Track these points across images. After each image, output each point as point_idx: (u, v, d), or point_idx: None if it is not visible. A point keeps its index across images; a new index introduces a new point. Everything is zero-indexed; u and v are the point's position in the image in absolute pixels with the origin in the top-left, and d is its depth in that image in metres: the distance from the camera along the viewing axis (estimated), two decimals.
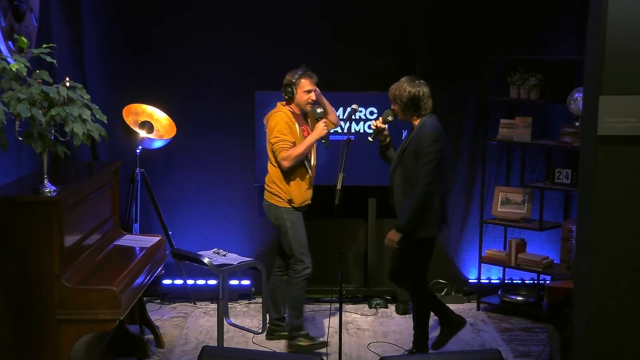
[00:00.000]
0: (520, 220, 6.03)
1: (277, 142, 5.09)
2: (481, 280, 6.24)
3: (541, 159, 6.25)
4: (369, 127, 5.09)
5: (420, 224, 4.81)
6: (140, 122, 5.78)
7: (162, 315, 5.94)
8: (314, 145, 5.22)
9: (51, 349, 4.00)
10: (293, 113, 5.19)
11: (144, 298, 5.34)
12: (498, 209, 6.13)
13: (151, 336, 5.31)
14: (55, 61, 4.16)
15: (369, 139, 4.94)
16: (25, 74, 3.85)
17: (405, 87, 4.85)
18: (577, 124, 5.65)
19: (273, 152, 5.14)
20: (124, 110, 5.70)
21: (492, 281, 6.43)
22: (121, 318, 4.06)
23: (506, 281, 6.38)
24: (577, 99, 5.62)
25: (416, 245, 4.88)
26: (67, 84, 4.00)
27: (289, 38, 6.20)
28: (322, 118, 5.19)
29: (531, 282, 6.35)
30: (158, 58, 6.21)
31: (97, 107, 4.16)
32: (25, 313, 3.98)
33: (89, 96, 4.12)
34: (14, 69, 3.77)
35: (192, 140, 6.16)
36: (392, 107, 4.94)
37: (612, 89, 3.75)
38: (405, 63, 6.23)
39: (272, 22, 6.20)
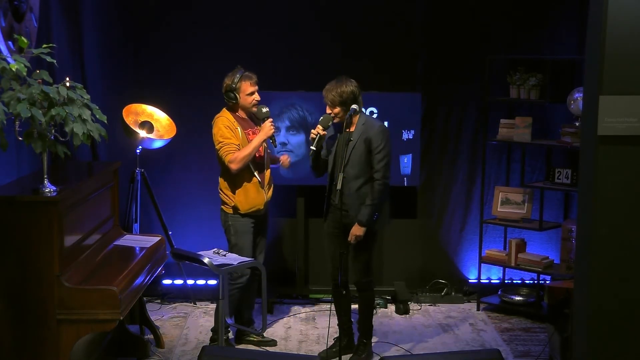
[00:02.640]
0: (520, 220, 6.03)
1: (222, 147, 4.99)
2: (481, 280, 6.24)
3: (541, 159, 6.25)
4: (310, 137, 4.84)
5: (380, 216, 4.93)
6: (140, 122, 5.78)
7: (162, 315, 5.94)
8: (266, 148, 5.13)
9: (51, 349, 4.00)
10: (237, 117, 5.08)
11: (144, 298, 5.35)
12: (498, 209, 6.13)
13: (151, 336, 5.31)
14: (55, 61, 4.16)
15: (312, 148, 4.77)
16: (25, 74, 3.84)
17: (344, 86, 4.80)
18: (577, 124, 5.65)
19: (220, 158, 5.03)
20: (124, 110, 5.70)
21: (492, 281, 6.43)
22: (121, 318, 4.07)
23: (506, 281, 6.38)
24: (577, 99, 5.62)
25: (374, 237, 4.98)
26: (67, 84, 4.00)
27: (289, 39, 6.20)
28: (267, 118, 5.08)
29: (531, 282, 6.35)
30: (158, 58, 6.21)
31: (97, 107, 4.16)
32: (25, 313, 3.98)
33: (89, 96, 4.12)
34: (14, 69, 3.77)
35: (192, 140, 6.16)
36: (327, 111, 4.85)
37: (612, 89, 3.75)
38: (405, 63, 6.24)
39: (272, 22, 6.20)
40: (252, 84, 5.06)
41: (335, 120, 4.84)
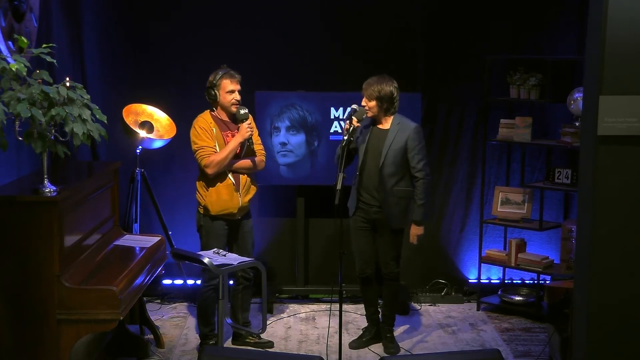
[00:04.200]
0: (520, 220, 6.03)
1: (198, 150, 4.95)
2: (481, 280, 6.24)
3: (541, 159, 6.25)
4: (343, 127, 5.06)
5: (408, 213, 5.15)
6: (140, 122, 5.77)
7: (162, 315, 5.94)
8: (245, 150, 5.06)
9: (51, 349, 4.00)
10: (216, 117, 5.04)
11: (144, 298, 5.35)
12: (498, 209, 6.13)
13: (151, 336, 5.31)
14: (55, 61, 4.15)
15: (345, 138, 4.87)
16: (25, 74, 3.84)
17: (385, 84, 4.98)
18: (577, 124, 5.65)
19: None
20: (124, 110, 5.70)
21: (492, 281, 6.43)
22: (121, 318, 4.07)
23: (506, 281, 6.38)
24: (577, 99, 5.62)
25: (403, 231, 5.19)
26: (67, 84, 4.00)
27: (289, 39, 6.20)
28: (246, 119, 5.04)
29: (531, 282, 6.35)
30: (158, 58, 6.21)
31: (97, 107, 4.16)
32: (25, 313, 3.98)
33: (89, 96, 4.12)
34: (14, 69, 3.76)
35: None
36: (362, 103, 5.02)
37: (612, 89, 3.75)
38: (405, 63, 6.24)
39: (272, 22, 6.20)
40: (232, 82, 5.01)
41: (368, 115, 5.02)
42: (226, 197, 5.03)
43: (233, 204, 5.06)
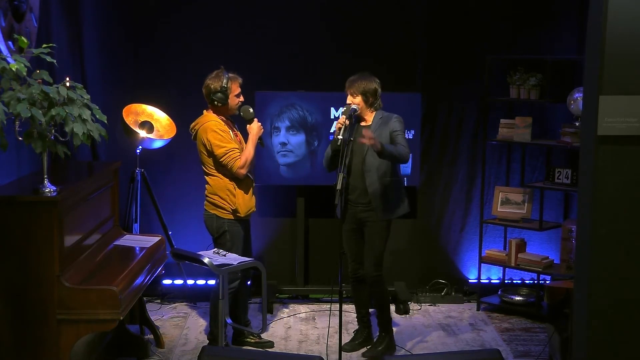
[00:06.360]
0: (520, 220, 6.03)
1: (227, 153, 4.92)
2: (481, 280, 6.24)
3: (541, 159, 6.25)
4: (334, 127, 5.01)
5: (398, 203, 5.05)
6: (140, 122, 5.78)
7: (162, 315, 5.94)
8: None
9: (51, 349, 4.00)
10: (222, 119, 5.04)
11: (144, 298, 5.35)
12: (498, 209, 6.13)
13: (151, 336, 5.31)
14: (55, 61, 4.16)
15: (339, 137, 4.83)
16: (25, 74, 3.85)
17: (367, 81, 4.97)
18: (577, 124, 5.65)
19: (220, 164, 4.94)
20: (124, 110, 5.70)
21: (492, 281, 6.43)
22: (121, 318, 4.07)
23: (506, 281, 6.38)
24: (577, 99, 5.63)
25: (388, 227, 5.08)
26: (67, 84, 4.00)
27: (289, 38, 6.20)
28: (254, 118, 5.07)
29: (531, 282, 6.35)
30: (158, 58, 6.21)
31: (97, 107, 4.16)
32: (25, 313, 3.98)
33: (89, 96, 4.13)
34: (14, 69, 3.77)
35: (192, 140, 6.14)
36: (348, 101, 4.99)
37: (612, 89, 3.74)
38: (405, 63, 6.24)
39: (272, 22, 6.20)
40: (239, 85, 5.06)
41: (356, 113, 4.98)
42: (248, 196, 5.07)
43: (253, 203, 5.12)
